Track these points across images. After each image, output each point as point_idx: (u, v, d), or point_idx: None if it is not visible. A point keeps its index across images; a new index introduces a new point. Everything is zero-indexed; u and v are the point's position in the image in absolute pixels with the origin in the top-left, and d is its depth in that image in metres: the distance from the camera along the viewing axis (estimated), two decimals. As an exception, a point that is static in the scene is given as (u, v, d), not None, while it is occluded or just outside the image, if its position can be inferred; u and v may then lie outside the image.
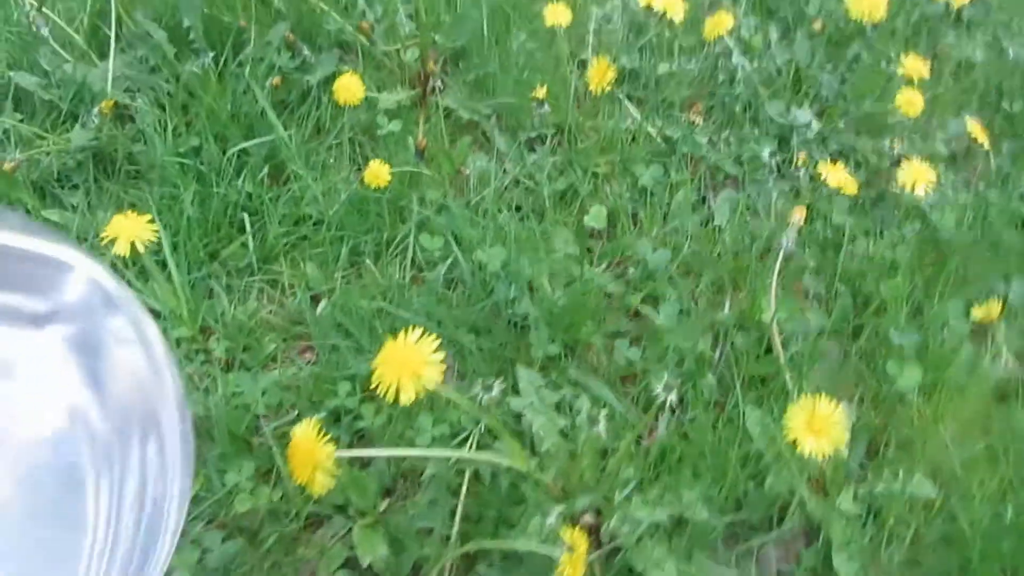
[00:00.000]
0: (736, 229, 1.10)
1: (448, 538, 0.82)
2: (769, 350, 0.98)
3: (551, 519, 0.72)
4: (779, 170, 1.19)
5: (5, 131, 1.12)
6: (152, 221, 0.81)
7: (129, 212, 0.81)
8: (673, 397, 0.79)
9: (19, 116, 1.16)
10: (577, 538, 0.70)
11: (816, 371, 0.96)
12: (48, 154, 1.11)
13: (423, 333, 0.64)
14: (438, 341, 0.64)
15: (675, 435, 0.90)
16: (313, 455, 0.63)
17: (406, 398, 0.62)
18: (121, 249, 0.79)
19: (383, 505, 0.87)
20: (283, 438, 0.90)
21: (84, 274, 0.48)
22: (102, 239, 0.81)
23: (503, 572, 0.77)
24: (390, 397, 0.62)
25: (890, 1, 1.22)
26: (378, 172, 1.00)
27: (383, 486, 0.89)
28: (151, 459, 0.46)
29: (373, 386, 0.63)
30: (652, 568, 0.76)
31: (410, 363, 0.62)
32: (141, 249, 0.80)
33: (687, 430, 0.90)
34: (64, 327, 0.49)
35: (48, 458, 0.46)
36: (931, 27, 1.43)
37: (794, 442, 0.70)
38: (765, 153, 1.14)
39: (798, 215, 0.94)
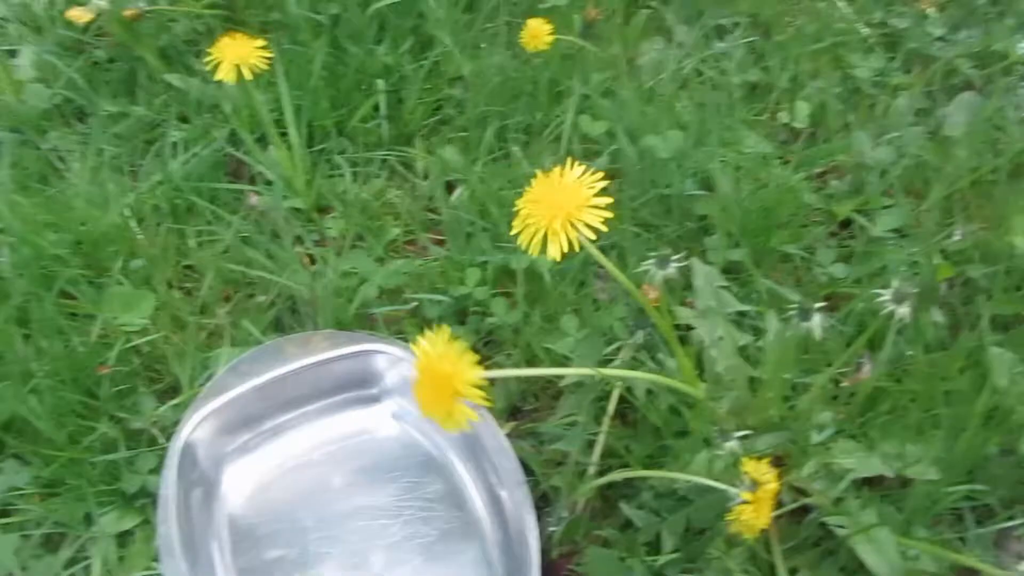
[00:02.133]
0: (974, 141, 0.87)
1: (585, 470, 0.65)
2: (1019, 287, 0.75)
3: (730, 443, 0.54)
4: (1031, 79, 0.95)
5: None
6: (265, 47, 0.68)
7: (236, 34, 0.68)
8: (905, 311, 0.59)
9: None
10: (764, 471, 0.52)
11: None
12: (176, 20, 1.00)
13: (586, 170, 0.47)
14: (604, 181, 0.46)
15: (886, 378, 0.69)
16: (449, 378, 0.42)
17: (555, 251, 0.44)
18: (225, 74, 0.66)
19: (507, 428, 0.71)
20: (398, 332, 0.75)
21: (397, 360, 0.69)
22: (206, 63, 0.68)
23: (654, 514, 0.59)
24: (534, 249, 0.45)
25: None
26: (537, 32, 0.83)
27: (510, 403, 0.73)
28: (488, 470, 0.65)
29: (513, 232, 0.46)
30: (862, 540, 0.56)
31: (566, 205, 0.44)
32: (247, 75, 0.66)
33: (901, 373, 0.70)
34: (390, 401, 0.71)
35: (413, 481, 0.68)
36: None
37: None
38: (1021, 46, 0.90)
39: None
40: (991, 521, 0.63)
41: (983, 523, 0.63)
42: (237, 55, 0.66)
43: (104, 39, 1.00)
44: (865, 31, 0.99)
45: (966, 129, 0.88)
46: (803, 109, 0.89)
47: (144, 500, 0.64)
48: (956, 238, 0.81)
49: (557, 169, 0.47)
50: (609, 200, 0.46)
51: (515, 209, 0.48)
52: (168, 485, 0.61)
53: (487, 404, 0.41)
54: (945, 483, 0.60)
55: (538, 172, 0.49)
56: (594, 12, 0.92)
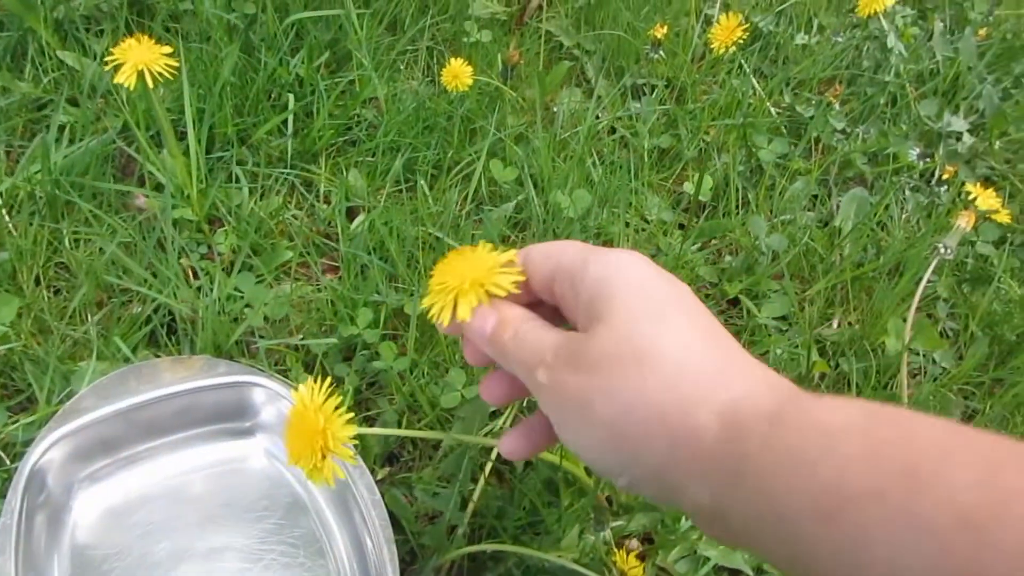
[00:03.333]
0: (860, 236, 0.91)
1: (455, 529, 0.65)
2: (887, 384, 0.79)
3: (605, 533, 0.54)
4: (917, 182, 1.00)
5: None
6: (172, 55, 0.64)
7: (143, 36, 0.64)
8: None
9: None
10: (632, 564, 0.52)
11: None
12: (80, -10, 0.94)
13: (496, 248, 0.45)
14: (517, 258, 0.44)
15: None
16: (321, 432, 0.41)
17: (464, 311, 0.41)
18: (125, 78, 0.62)
19: (382, 474, 0.70)
20: (279, 364, 0.72)
21: (275, 396, 0.66)
22: (106, 63, 0.64)
23: (521, 589, 0.59)
24: (445, 317, 0.41)
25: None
26: (458, 72, 0.82)
27: (387, 450, 0.71)
28: (357, 521, 0.62)
29: (424, 305, 0.43)
30: (716, 626, 0.58)
31: (477, 270, 0.42)
32: (150, 82, 0.62)
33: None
34: (264, 436, 0.68)
35: (278, 523, 0.65)
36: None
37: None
38: (913, 154, 0.95)
39: (964, 221, 0.76)
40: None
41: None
42: (141, 59, 0.62)
43: (-6, 1, 0.93)
44: (774, 112, 1.02)
45: (854, 223, 0.92)
46: (708, 182, 0.91)
47: (-20, 525, 0.59)
48: (834, 327, 0.85)
49: (468, 248, 0.45)
50: (520, 269, 0.44)
51: (428, 282, 0.46)
52: (10, 512, 0.57)
53: (353, 463, 0.40)
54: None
55: (451, 249, 0.47)
56: (516, 55, 0.92)
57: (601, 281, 0.36)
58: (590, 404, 0.33)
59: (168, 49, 0.64)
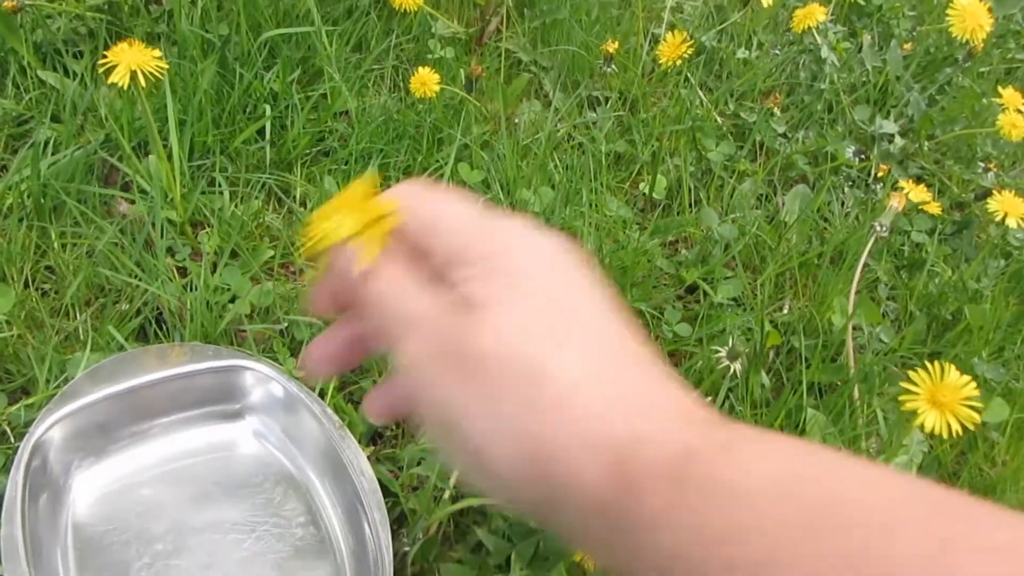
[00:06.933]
0: (804, 227, 0.98)
1: (442, 495, 0.68)
2: (835, 359, 0.85)
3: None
4: (854, 180, 1.08)
5: (16, -19, 1.00)
6: (160, 59, 0.68)
7: (134, 41, 0.68)
8: (738, 367, 0.66)
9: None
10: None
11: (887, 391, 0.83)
12: (60, 15, 0.98)
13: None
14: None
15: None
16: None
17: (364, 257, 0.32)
18: (119, 77, 0.66)
19: (367, 452, 0.73)
20: (267, 351, 0.76)
21: (265, 378, 0.70)
22: (101, 66, 0.68)
23: (506, 539, 0.63)
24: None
25: (986, 36, 1.13)
26: (426, 80, 0.87)
27: (371, 429, 0.75)
28: (348, 491, 0.66)
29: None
30: None
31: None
32: (142, 82, 0.67)
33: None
34: (253, 418, 0.71)
35: (269, 498, 0.68)
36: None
37: (912, 413, 0.56)
38: (849, 152, 1.03)
39: (897, 201, 0.82)
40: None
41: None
42: (134, 61, 0.66)
43: (-26, 26, 0.97)
44: (719, 119, 1.09)
45: (798, 217, 0.99)
46: (662, 182, 0.98)
47: (-15, 500, 0.62)
48: (784, 311, 0.91)
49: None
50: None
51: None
52: (15, 486, 0.59)
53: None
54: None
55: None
56: (478, 69, 0.97)
57: (493, 269, 0.29)
58: (462, 411, 0.28)
59: (157, 52, 0.69)
